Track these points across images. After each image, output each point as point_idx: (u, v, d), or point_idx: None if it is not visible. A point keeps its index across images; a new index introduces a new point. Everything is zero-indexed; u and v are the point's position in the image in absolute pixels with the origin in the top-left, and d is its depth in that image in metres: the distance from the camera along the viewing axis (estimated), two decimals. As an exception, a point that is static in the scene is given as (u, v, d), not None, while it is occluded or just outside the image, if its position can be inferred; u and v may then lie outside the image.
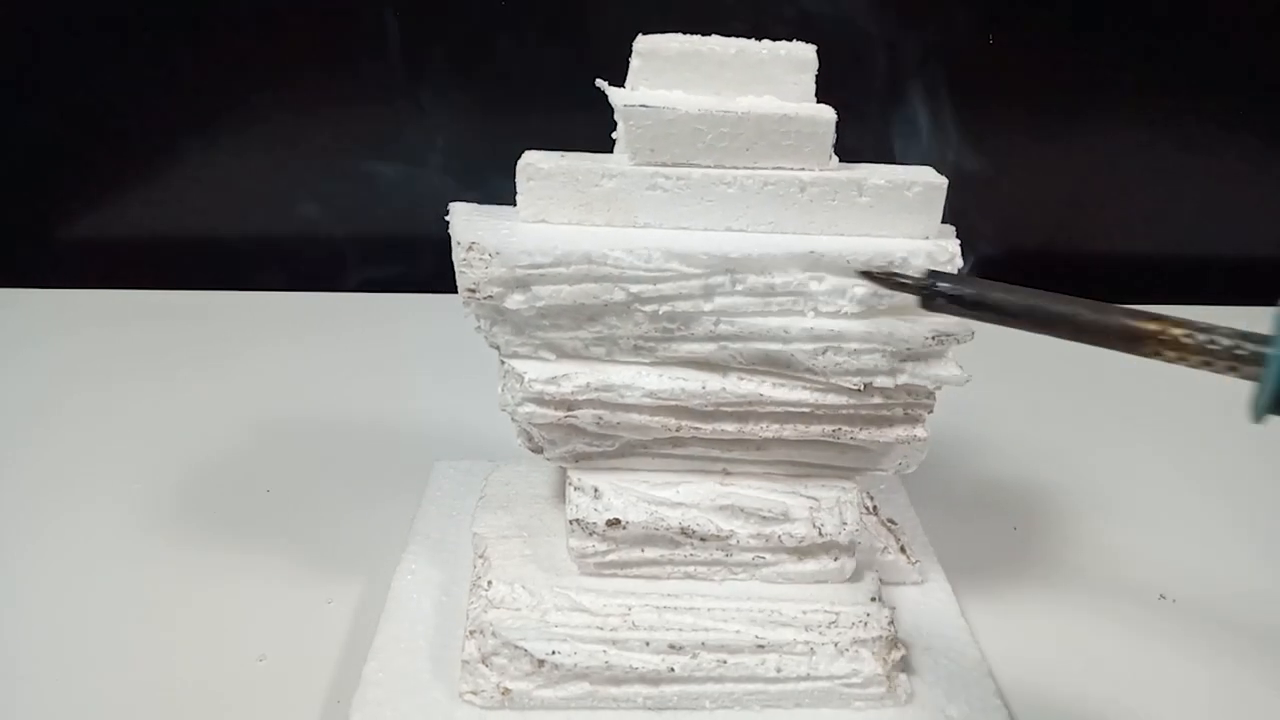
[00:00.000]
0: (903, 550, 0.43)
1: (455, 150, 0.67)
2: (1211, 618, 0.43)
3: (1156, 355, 0.28)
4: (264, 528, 0.46)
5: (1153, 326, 0.27)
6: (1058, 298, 0.29)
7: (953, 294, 0.29)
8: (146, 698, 0.36)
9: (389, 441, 0.53)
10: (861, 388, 0.34)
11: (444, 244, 0.33)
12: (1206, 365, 0.27)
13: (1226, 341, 0.27)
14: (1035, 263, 0.76)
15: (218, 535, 0.45)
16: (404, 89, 0.67)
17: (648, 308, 0.33)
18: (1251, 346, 0.26)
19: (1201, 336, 0.27)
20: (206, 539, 0.45)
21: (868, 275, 0.32)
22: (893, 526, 0.44)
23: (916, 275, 0.31)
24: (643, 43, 0.33)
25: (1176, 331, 0.27)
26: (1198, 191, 0.75)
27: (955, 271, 0.34)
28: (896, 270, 0.31)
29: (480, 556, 0.38)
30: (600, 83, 0.33)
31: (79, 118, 0.67)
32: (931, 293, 0.30)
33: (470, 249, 0.32)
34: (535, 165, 0.33)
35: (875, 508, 0.44)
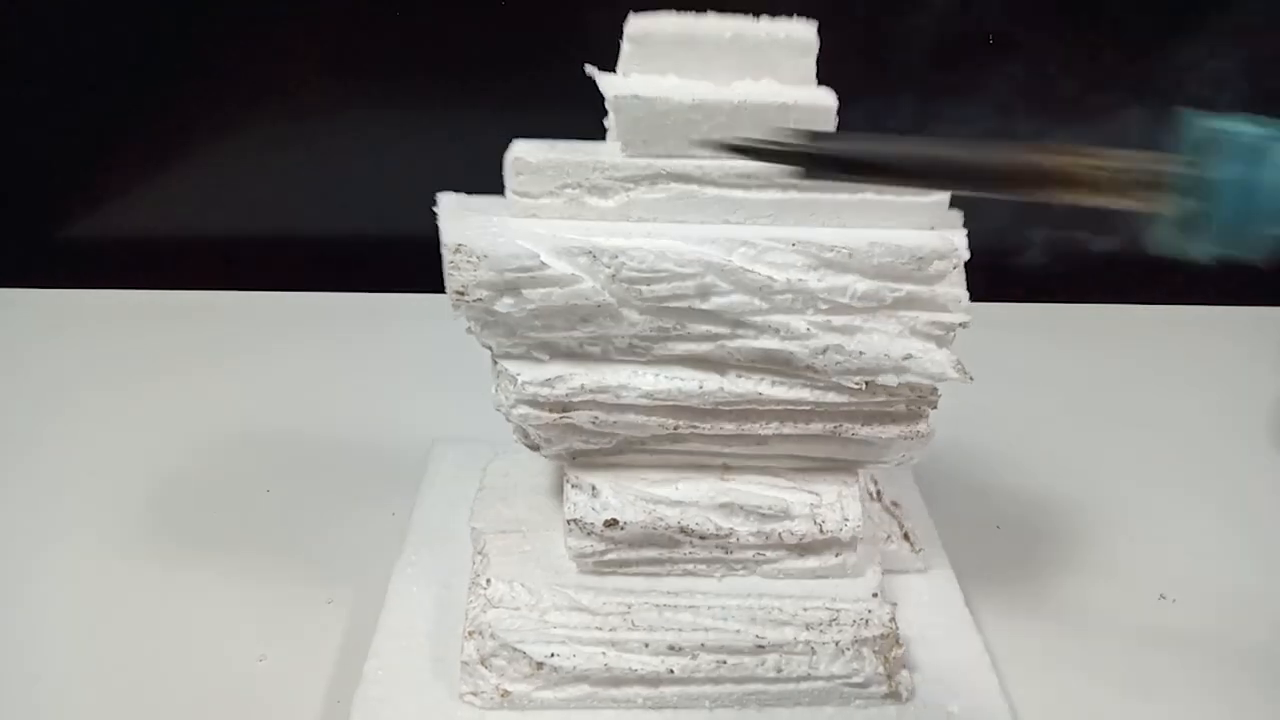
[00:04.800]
0: (906, 538, 0.42)
1: (450, 144, 0.66)
2: (1211, 618, 0.42)
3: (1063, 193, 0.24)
4: (264, 528, 0.45)
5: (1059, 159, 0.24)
6: (939, 143, 0.25)
7: (837, 155, 0.25)
8: (147, 698, 0.36)
9: (389, 439, 0.52)
10: (863, 386, 0.33)
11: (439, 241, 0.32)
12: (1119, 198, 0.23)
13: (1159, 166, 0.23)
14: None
15: (218, 535, 0.45)
16: (401, 87, 0.66)
17: (642, 308, 0.32)
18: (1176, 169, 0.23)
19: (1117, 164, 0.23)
20: (207, 539, 0.45)
21: (733, 148, 0.26)
22: (896, 511, 0.43)
23: (791, 140, 0.25)
24: (635, 25, 0.32)
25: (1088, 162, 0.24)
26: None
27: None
28: (770, 139, 0.26)
29: (479, 553, 0.38)
30: (590, 69, 0.32)
31: (80, 118, 0.67)
32: (813, 157, 0.25)
33: (457, 251, 0.31)
34: (524, 158, 0.32)
35: (879, 492, 0.43)
